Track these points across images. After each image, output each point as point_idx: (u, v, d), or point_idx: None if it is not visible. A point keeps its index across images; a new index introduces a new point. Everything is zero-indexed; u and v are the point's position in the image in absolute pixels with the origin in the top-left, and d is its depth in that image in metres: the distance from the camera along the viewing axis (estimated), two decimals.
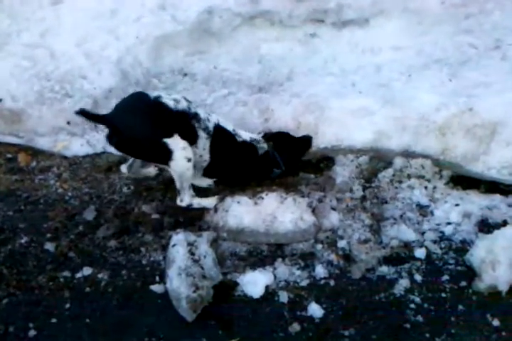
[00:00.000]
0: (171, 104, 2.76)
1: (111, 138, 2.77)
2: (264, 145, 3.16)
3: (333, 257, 2.69)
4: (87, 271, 2.69)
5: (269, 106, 3.62)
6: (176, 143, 2.74)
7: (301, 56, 3.91)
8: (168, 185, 3.19)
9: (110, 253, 2.82)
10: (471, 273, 2.58)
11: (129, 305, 2.52)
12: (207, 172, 3.12)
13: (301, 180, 3.30)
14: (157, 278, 2.64)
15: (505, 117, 3.16)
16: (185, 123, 2.80)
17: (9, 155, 3.78)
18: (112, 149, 3.57)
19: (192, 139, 2.83)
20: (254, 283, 2.51)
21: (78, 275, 2.68)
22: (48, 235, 2.95)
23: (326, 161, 3.47)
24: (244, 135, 3.13)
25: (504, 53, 3.55)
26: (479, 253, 2.54)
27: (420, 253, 2.69)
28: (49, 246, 2.86)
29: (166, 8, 4.09)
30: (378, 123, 3.36)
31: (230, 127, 3.08)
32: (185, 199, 2.91)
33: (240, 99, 3.75)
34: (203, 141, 2.90)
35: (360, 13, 3.80)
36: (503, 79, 3.36)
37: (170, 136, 2.72)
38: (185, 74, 3.95)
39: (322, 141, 3.43)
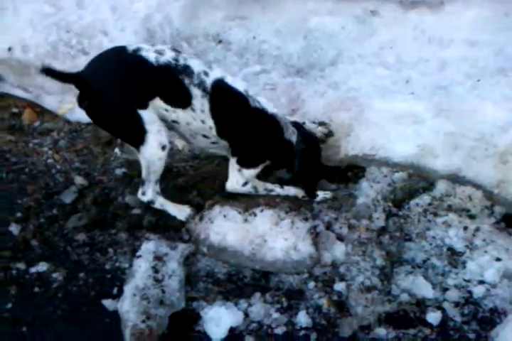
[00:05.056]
0: (151, 57, 2.30)
1: (82, 101, 2.35)
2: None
3: (323, 302, 2.19)
4: (42, 266, 2.37)
5: (300, 95, 3.06)
6: (152, 121, 2.33)
7: (353, 37, 3.27)
8: (164, 173, 2.76)
9: (75, 248, 2.47)
10: None
11: (74, 318, 2.17)
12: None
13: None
14: (115, 291, 2.27)
15: None
16: (171, 80, 2.32)
17: (15, 110, 3.48)
18: None
19: (184, 100, 2.35)
20: (218, 321, 2.06)
21: (32, 270, 2.36)
22: (18, 214, 2.64)
23: (356, 170, 2.91)
24: (269, 106, 2.53)
25: None
26: (507, 335, 1.95)
27: (433, 317, 2.11)
28: (14, 227, 2.55)
29: None
30: (425, 136, 2.72)
31: (241, 86, 2.48)
32: (148, 193, 2.48)
33: (270, 79, 3.22)
34: (200, 101, 2.36)
35: None
36: None
37: (145, 106, 2.31)
38: (220, 41, 3.47)
39: (353, 146, 2.84)
